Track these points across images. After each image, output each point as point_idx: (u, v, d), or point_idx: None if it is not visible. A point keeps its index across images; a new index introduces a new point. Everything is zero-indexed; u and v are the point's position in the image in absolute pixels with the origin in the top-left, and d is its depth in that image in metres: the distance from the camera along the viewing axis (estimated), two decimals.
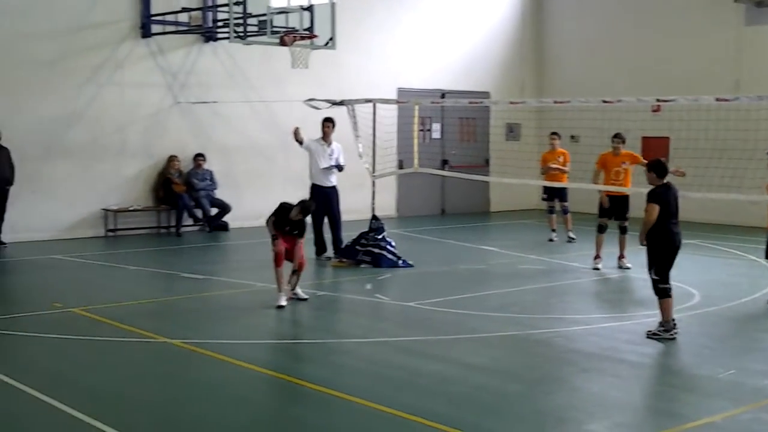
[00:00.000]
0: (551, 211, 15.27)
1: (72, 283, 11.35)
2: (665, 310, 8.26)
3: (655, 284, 8.27)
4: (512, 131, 20.67)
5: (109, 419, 5.78)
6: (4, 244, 14.07)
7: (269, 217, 9.80)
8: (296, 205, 9.73)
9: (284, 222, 9.72)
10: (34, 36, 14.64)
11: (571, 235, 14.94)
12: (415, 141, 13.30)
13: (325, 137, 12.86)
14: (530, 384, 6.92)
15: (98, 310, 9.28)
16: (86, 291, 10.71)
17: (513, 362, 7.58)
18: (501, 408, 6.27)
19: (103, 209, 15.45)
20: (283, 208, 9.77)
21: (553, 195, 15.03)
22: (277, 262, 9.62)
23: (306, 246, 10.93)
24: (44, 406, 6.12)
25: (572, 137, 18.01)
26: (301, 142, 12.67)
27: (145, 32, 15.71)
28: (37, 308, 9.47)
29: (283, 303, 9.54)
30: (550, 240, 15.02)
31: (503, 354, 7.84)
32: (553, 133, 15.15)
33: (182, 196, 15.79)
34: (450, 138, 19.94)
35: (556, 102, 12.60)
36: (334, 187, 12.93)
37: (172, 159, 15.97)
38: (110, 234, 15.43)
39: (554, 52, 21.08)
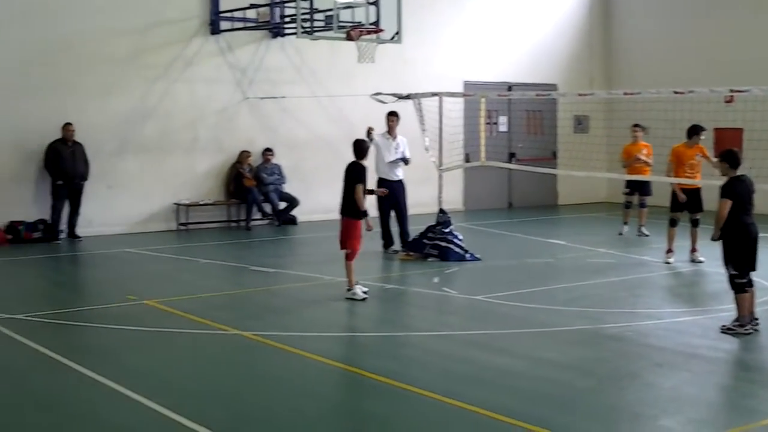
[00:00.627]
0: (628, 205, 15.01)
1: (145, 275, 11.60)
2: (741, 306, 8.09)
3: (732, 279, 8.10)
4: (580, 123, 20.44)
5: (182, 409, 5.89)
6: (79, 237, 14.45)
7: (360, 188, 9.69)
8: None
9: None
10: (109, 34, 14.98)
11: (644, 230, 14.67)
12: (482, 134, 13.24)
13: (390, 131, 12.89)
14: (601, 379, 6.84)
15: (171, 302, 9.46)
16: (159, 284, 10.94)
17: (583, 357, 7.51)
18: (571, 403, 6.22)
19: (175, 203, 15.74)
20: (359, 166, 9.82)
21: (636, 189, 14.78)
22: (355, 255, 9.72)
23: (373, 239, 11.04)
24: (119, 396, 6.27)
25: (642, 128, 17.67)
26: (371, 141, 12.72)
27: (214, 29, 15.95)
28: (112, 300, 9.69)
29: (364, 295, 9.63)
30: (620, 234, 14.81)
31: (573, 348, 7.77)
32: (636, 125, 14.82)
33: (252, 191, 16.00)
34: (517, 131, 19.80)
35: (626, 93, 12.40)
36: (400, 181, 12.95)
37: (244, 154, 16.19)
38: (182, 228, 15.72)
39: (623, 42, 20.75)
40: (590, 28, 20.84)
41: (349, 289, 9.64)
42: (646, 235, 14.52)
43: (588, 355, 7.57)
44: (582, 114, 20.34)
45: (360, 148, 9.94)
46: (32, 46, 14.32)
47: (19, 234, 14.13)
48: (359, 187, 9.63)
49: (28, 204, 14.41)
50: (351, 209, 9.69)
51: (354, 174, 9.74)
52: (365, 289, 9.68)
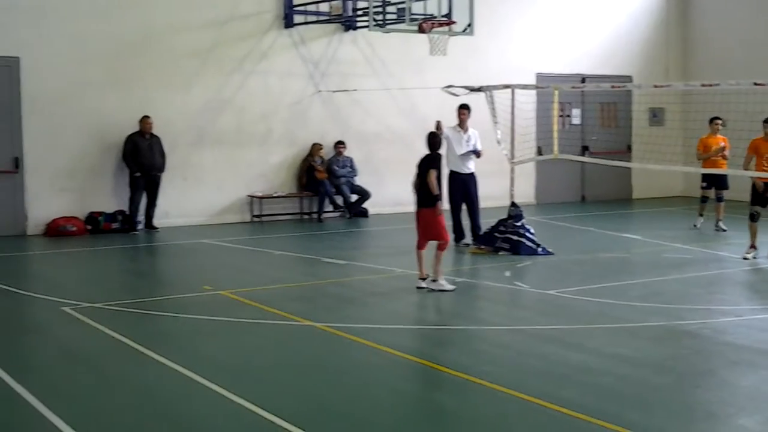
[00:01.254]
0: (704, 199, 14.72)
1: (220, 266, 11.81)
2: None
3: None
4: (656, 116, 20.08)
5: (257, 399, 5.98)
6: (156, 228, 14.78)
7: (433, 174, 9.73)
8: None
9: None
10: (186, 28, 15.27)
11: (722, 225, 14.37)
12: (555, 127, 13.10)
13: (461, 124, 12.86)
14: (677, 376, 6.74)
15: (245, 293, 9.61)
16: (234, 274, 11.13)
17: (658, 353, 7.40)
18: (646, 400, 6.14)
19: (249, 195, 15.97)
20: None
21: (712, 183, 14.49)
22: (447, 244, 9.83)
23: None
24: (195, 384, 6.39)
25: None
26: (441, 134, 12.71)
27: (288, 22, 16.11)
28: (188, 290, 9.89)
29: (453, 286, 9.70)
30: (694, 226, 14.53)
31: (648, 345, 7.66)
32: (717, 118, 14.55)
33: (324, 183, 16.13)
34: (590, 123, 19.56)
35: (703, 85, 12.12)
36: (472, 174, 12.92)
37: (315, 146, 16.33)
38: (255, 219, 15.95)
39: (701, 32, 20.29)
40: (667, 17, 20.44)
41: (434, 280, 9.67)
42: (724, 230, 14.21)
43: (663, 352, 7.45)
44: (657, 106, 19.99)
45: (433, 140, 9.98)
46: (115, 40, 14.69)
47: (98, 224, 14.51)
48: (432, 172, 9.67)
49: (108, 195, 14.79)
50: (430, 199, 9.72)
51: (427, 163, 9.79)
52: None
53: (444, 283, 9.67)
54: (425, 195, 9.76)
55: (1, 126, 13.99)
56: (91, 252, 13.02)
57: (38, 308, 9.15)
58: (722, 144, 14.31)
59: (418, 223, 9.93)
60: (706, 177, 14.55)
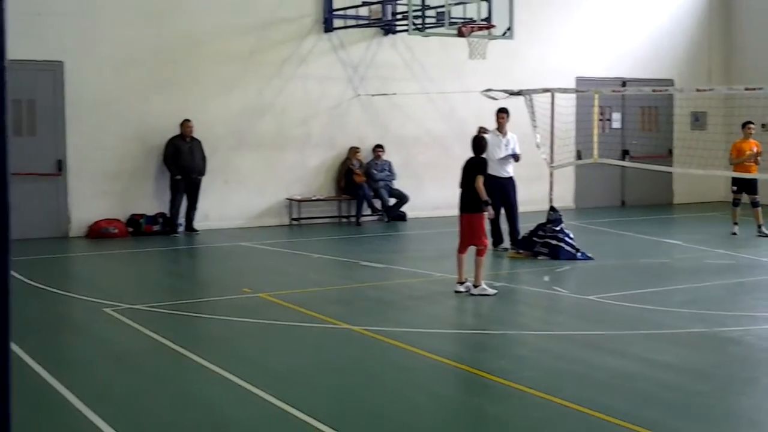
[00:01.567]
0: (737, 203, 14.56)
1: (259, 269, 11.88)
2: None
3: None
4: (698, 120, 19.84)
5: (294, 401, 6.00)
6: (197, 231, 14.91)
7: (481, 179, 9.74)
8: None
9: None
10: (227, 33, 15.40)
11: (765, 230, 14.16)
12: (595, 131, 13.01)
13: (500, 128, 12.81)
14: (719, 384, 6.65)
15: (284, 295, 9.66)
16: (272, 277, 11.19)
17: (700, 360, 7.31)
18: (687, 407, 6.07)
19: (288, 198, 16.06)
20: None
21: (743, 187, 14.34)
22: (486, 250, 9.86)
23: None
24: (233, 385, 6.43)
25: (763, 126, 17.11)
26: None
27: (328, 27, 16.18)
28: (228, 293, 9.98)
29: (495, 290, 9.71)
30: (733, 234, 14.34)
31: (689, 351, 7.57)
32: (750, 123, 14.45)
33: (362, 187, 16.17)
34: (631, 127, 19.38)
35: (747, 89, 12.00)
36: (510, 178, 12.87)
37: (353, 150, 16.38)
38: (294, 222, 16.03)
39: (744, 34, 20.02)
40: (709, 20, 20.21)
41: (476, 286, 9.65)
42: (767, 235, 14.02)
43: (704, 359, 7.36)
44: (699, 110, 19.74)
45: (479, 144, 10.01)
46: (157, 45, 14.86)
47: (139, 227, 14.67)
48: (479, 178, 9.66)
49: (149, 198, 14.96)
50: (473, 204, 9.70)
51: (474, 167, 9.79)
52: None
53: (485, 288, 9.65)
54: (469, 199, 9.75)
55: (45, 129, 14.22)
56: (133, 254, 13.18)
57: (80, 309, 9.29)
58: (755, 149, 14.21)
59: (461, 226, 9.92)
60: (736, 181, 14.45)
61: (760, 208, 14.34)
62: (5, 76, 1.95)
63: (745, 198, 14.41)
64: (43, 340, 7.73)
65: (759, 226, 14.23)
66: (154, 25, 14.82)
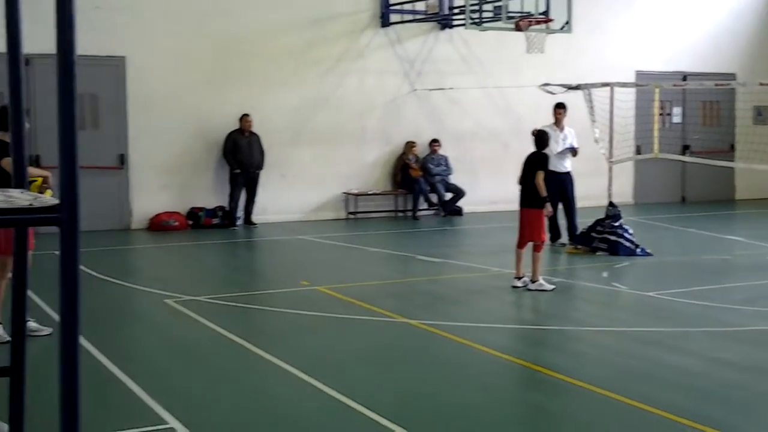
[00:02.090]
0: None
1: (317, 262, 11.97)
2: None
3: None
4: (760, 114, 19.45)
5: (353, 394, 6.03)
6: (255, 224, 15.07)
7: (541, 175, 9.71)
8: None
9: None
10: (284, 28, 15.52)
11: None
12: (655, 126, 12.83)
13: (557, 123, 12.69)
14: None
15: (341, 288, 9.72)
16: (329, 270, 11.26)
17: (764, 358, 7.17)
18: (752, 406, 5.97)
19: (345, 193, 16.14)
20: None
21: None
22: (542, 246, 9.81)
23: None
24: (293, 377, 6.49)
25: None
26: None
27: (384, 21, 16.21)
28: (286, 285, 10.08)
29: (553, 285, 9.66)
30: None
31: (754, 350, 7.43)
32: None
33: (419, 181, 16.18)
34: (691, 122, 19.06)
35: None
36: (568, 173, 12.76)
37: (409, 144, 16.39)
38: (350, 216, 16.11)
39: None
40: None
41: (534, 281, 9.61)
42: None
43: None
44: (763, 104, 19.34)
45: (541, 139, 9.96)
46: (216, 41, 15.03)
47: (199, 220, 14.88)
48: (540, 174, 9.62)
49: (208, 191, 15.16)
50: (533, 199, 9.66)
51: (534, 162, 9.76)
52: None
53: (543, 283, 9.60)
54: (529, 195, 9.71)
55: (107, 124, 14.49)
56: (193, 246, 13.38)
57: (142, 300, 9.46)
58: None
59: (520, 222, 9.88)
60: None
61: None
62: (74, 70, 2.00)
63: None
64: (106, 331, 7.88)
65: None
66: (213, 20, 14.99)
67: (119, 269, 11.24)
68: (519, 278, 9.74)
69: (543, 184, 9.63)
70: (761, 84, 15.30)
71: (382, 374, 6.76)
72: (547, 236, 11.89)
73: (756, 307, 8.85)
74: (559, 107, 12.73)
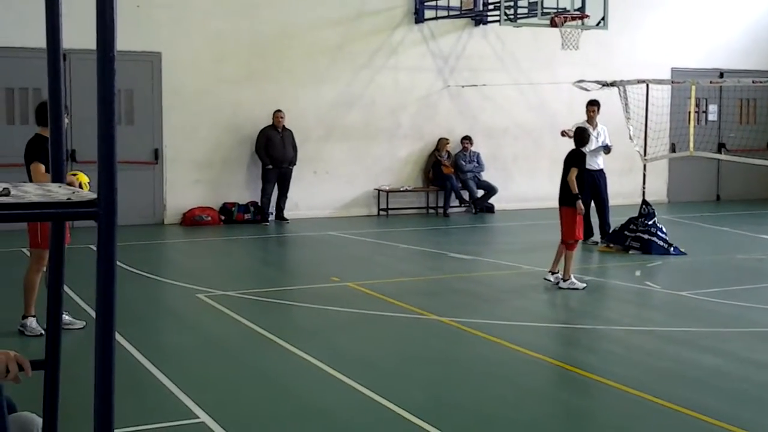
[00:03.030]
0: None
1: (348, 258, 12.00)
2: None
3: None
4: None
5: (383, 390, 6.05)
6: (287, 220, 15.13)
7: (574, 172, 9.74)
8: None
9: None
10: (318, 25, 15.55)
11: None
12: (691, 123, 12.71)
13: (590, 120, 12.59)
14: None
15: (371, 285, 9.74)
16: (361, 267, 11.29)
17: None
18: None
19: (376, 189, 16.15)
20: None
21: None
22: (576, 245, 9.74)
23: None
24: (323, 373, 6.52)
25: None
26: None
27: (418, 18, 16.19)
28: (317, 281, 10.10)
29: (584, 284, 9.59)
30: None
31: None
32: None
33: (450, 178, 16.15)
34: (728, 120, 18.86)
35: None
36: (601, 170, 12.68)
37: (442, 141, 16.37)
38: (382, 213, 16.12)
39: None
40: None
41: (565, 280, 9.58)
42: None
43: None
44: None
45: (581, 136, 9.96)
46: (250, 37, 15.10)
47: (231, 215, 14.97)
48: (573, 171, 9.67)
49: (241, 187, 15.25)
50: (566, 197, 9.73)
51: (569, 160, 9.85)
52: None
53: (575, 281, 9.56)
54: (563, 192, 9.78)
55: (143, 119, 14.62)
56: (225, 241, 13.47)
57: (175, 294, 9.53)
58: None
59: (559, 219, 9.92)
60: None
61: None
62: (114, 65, 2.02)
63: None
64: (139, 325, 7.96)
65: None
66: (247, 17, 15.06)
67: (152, 264, 11.34)
68: (552, 273, 9.74)
69: (575, 181, 9.61)
70: None
71: (412, 371, 6.76)
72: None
73: None
74: (592, 104, 12.65)
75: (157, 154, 14.72)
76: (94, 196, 2.03)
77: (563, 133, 12.29)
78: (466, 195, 16.57)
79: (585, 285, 9.59)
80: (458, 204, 16.58)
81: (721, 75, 17.99)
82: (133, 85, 14.35)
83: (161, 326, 8.35)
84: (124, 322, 7.61)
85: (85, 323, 7.60)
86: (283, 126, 15.04)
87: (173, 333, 8.10)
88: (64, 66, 2.64)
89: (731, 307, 8.81)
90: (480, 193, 16.61)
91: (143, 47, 14.35)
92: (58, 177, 2.60)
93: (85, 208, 2.02)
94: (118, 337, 7.19)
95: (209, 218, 14.70)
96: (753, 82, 15.00)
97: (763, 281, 10.25)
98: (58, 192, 2.21)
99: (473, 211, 16.54)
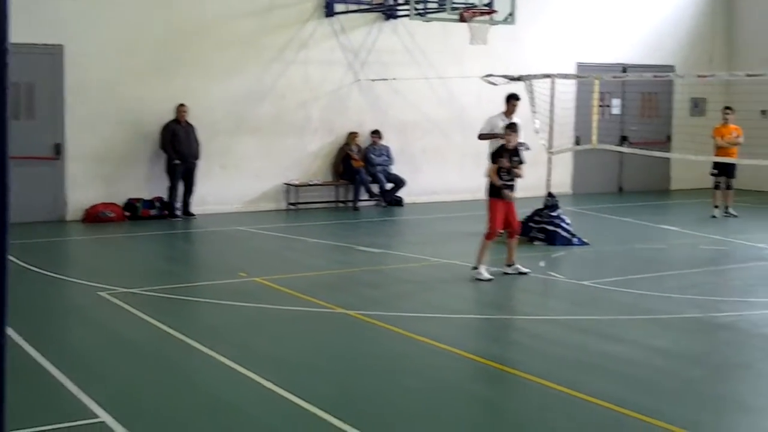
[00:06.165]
0: (717, 186, 15.26)
1: (256, 253, 11.88)
2: None
3: None
4: (697, 106, 19.80)
5: (291, 385, 6.01)
6: (194, 215, 14.89)
7: (489, 169, 10.08)
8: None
9: (502, 155, 10.09)
10: (226, 17, 15.31)
11: (732, 211, 15.03)
12: (595, 117, 12.97)
13: (508, 113, 12.47)
14: (713, 369, 6.68)
15: (280, 280, 9.67)
16: (269, 261, 11.20)
17: (694, 346, 7.34)
18: (681, 392, 6.09)
19: (285, 183, 16.04)
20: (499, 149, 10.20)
21: (724, 171, 15.00)
22: (492, 235, 9.89)
23: (478, 221, 11.00)
24: (229, 370, 6.44)
25: (763, 112, 17.16)
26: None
27: (329, 12, 16.11)
28: (225, 277, 9.98)
29: (490, 276, 9.70)
30: (713, 216, 14.91)
31: (683, 337, 7.59)
32: (727, 108, 15.22)
33: (360, 171, 16.16)
34: (630, 113, 19.36)
35: (748, 75, 11.97)
36: None
37: (352, 135, 16.35)
38: (291, 207, 16.01)
39: (746, 22, 19.92)
40: (712, 5, 20.11)
41: (475, 268, 9.75)
42: (735, 216, 14.87)
43: (699, 344, 7.39)
44: (699, 96, 19.69)
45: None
46: (157, 30, 14.73)
47: (136, 211, 14.64)
48: (491, 165, 10.08)
49: (146, 182, 14.90)
50: (489, 188, 10.17)
51: (493, 154, 10.24)
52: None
53: (482, 272, 9.70)
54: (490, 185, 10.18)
55: (44, 113, 14.17)
56: (129, 238, 13.18)
57: (76, 293, 9.28)
58: (734, 133, 14.93)
59: None
60: (716, 165, 15.00)
61: (732, 191, 15.22)
62: (7, 58, 1.93)
63: (724, 182, 15.16)
64: (37, 323, 7.73)
65: (727, 207, 15.13)
66: (155, 9, 14.74)
67: (53, 261, 11.02)
68: (509, 265, 10.13)
69: (494, 175, 10.05)
70: (699, 76, 15.62)
71: (321, 366, 6.74)
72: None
73: (687, 295, 9.02)
74: (514, 99, 12.41)
75: (58, 149, 14.30)
76: None
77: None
78: (375, 188, 16.60)
79: (491, 278, 9.71)
80: (368, 197, 16.59)
81: (624, 70, 18.43)
82: (34, 78, 13.88)
83: (61, 325, 8.12)
84: (20, 320, 7.39)
85: None
86: (186, 120, 14.78)
87: (73, 332, 7.89)
88: None
89: (631, 296, 9.05)
90: (389, 186, 16.66)
91: (45, 39, 13.91)
92: None
93: None
94: (13, 335, 6.99)
95: (113, 214, 14.35)
96: (654, 76, 15.50)
97: (661, 270, 10.55)
98: None
99: (382, 204, 16.58)
